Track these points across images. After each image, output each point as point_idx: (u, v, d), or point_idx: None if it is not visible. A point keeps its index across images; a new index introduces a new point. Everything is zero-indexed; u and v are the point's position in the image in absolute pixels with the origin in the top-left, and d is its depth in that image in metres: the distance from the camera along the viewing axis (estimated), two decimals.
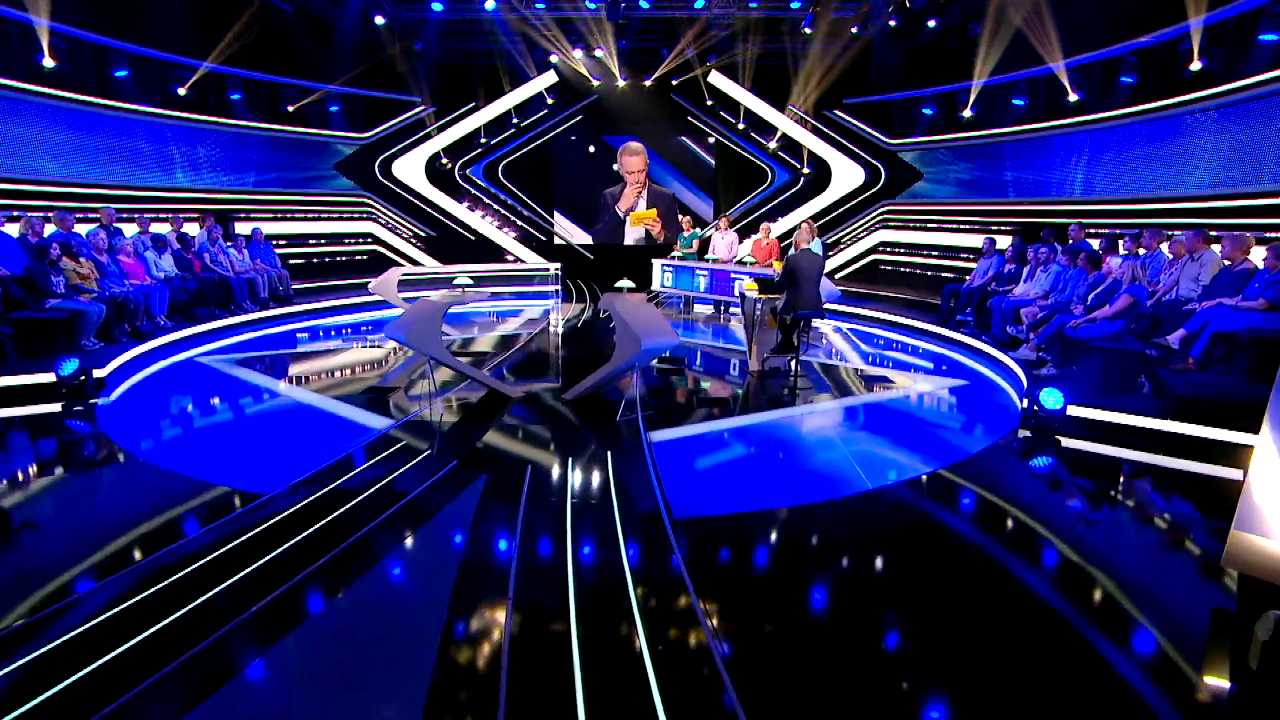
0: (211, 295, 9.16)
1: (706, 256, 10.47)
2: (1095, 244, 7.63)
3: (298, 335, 8.99)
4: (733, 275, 9.75)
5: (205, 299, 9.09)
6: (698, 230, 11.18)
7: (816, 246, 9.18)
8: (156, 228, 9.27)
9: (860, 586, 3.24)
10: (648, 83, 13.31)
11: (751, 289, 7.18)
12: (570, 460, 4.61)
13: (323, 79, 12.03)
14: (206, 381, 6.61)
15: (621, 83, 13.23)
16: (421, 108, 13.13)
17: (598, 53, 13.06)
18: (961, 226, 11.54)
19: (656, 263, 10.85)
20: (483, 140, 13.60)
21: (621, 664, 2.58)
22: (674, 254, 10.97)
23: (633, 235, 15.27)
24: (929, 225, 12.14)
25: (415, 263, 13.63)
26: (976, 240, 11.19)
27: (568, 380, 6.57)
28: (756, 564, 3.45)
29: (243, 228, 10.50)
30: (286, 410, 5.80)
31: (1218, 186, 7.70)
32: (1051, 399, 5.26)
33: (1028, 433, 5.33)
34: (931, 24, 10.24)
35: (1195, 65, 7.48)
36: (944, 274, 11.32)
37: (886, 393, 6.54)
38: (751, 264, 9.76)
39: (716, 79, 13.27)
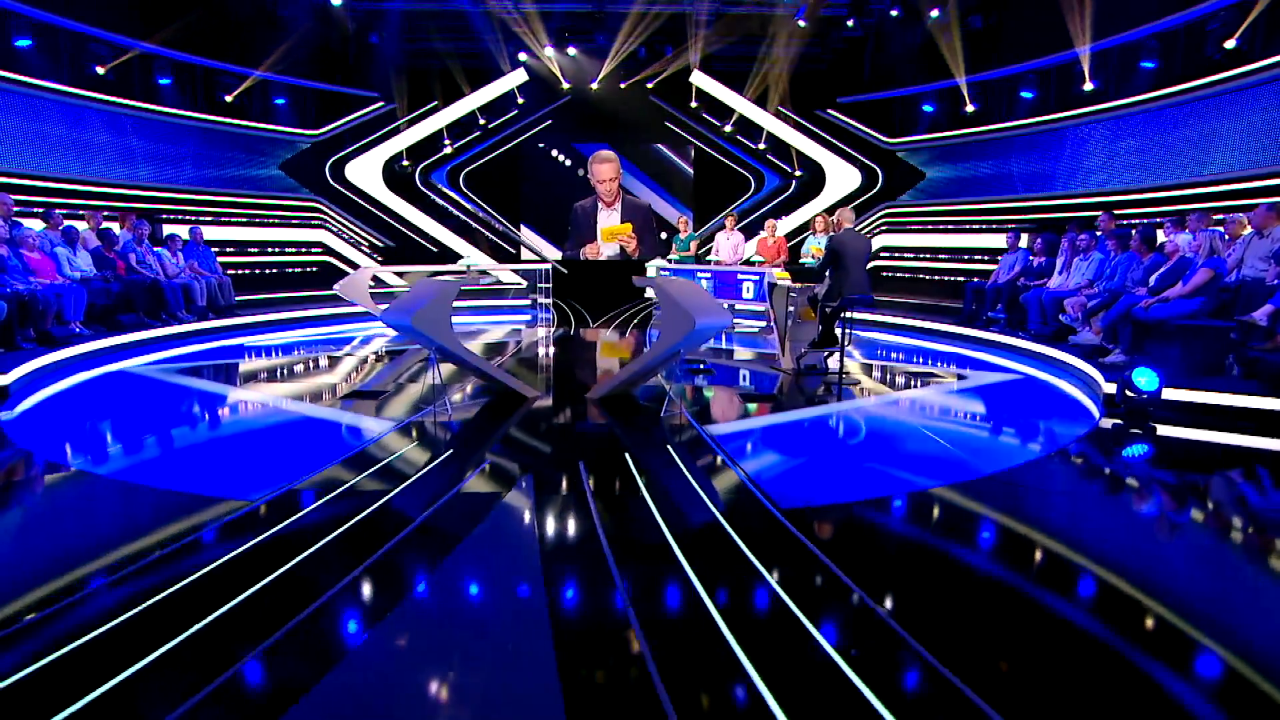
0: (139, 301, 8.26)
1: (710, 259, 10.12)
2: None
3: (248, 349, 8.15)
4: (740, 276, 9.41)
5: (131, 304, 8.19)
6: (694, 231, 10.85)
7: (823, 241, 9.00)
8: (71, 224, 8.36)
9: (1038, 567, 2.80)
10: (624, 86, 13.11)
11: (784, 277, 6.83)
12: (634, 458, 4.06)
13: (268, 67, 11.36)
14: (150, 392, 5.78)
15: (594, 85, 13.00)
16: (379, 105, 12.56)
17: (571, 50, 12.83)
18: (969, 227, 11.59)
19: (652, 265, 10.45)
20: (446, 142, 13.09)
21: (809, 668, 2.05)
22: (671, 256, 10.61)
23: (606, 252, 14.93)
24: (935, 227, 12.17)
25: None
26: (987, 240, 11.27)
27: (562, 392, 6.02)
28: (902, 547, 2.97)
29: (175, 229, 9.63)
30: (267, 418, 5.06)
31: (1247, 168, 7.85)
32: (1145, 379, 5.01)
33: (1116, 419, 5.05)
34: (935, 13, 10.37)
35: (1230, 44, 7.64)
36: (956, 277, 11.29)
37: (943, 386, 6.22)
38: (759, 264, 9.46)
39: (700, 80, 13.18)
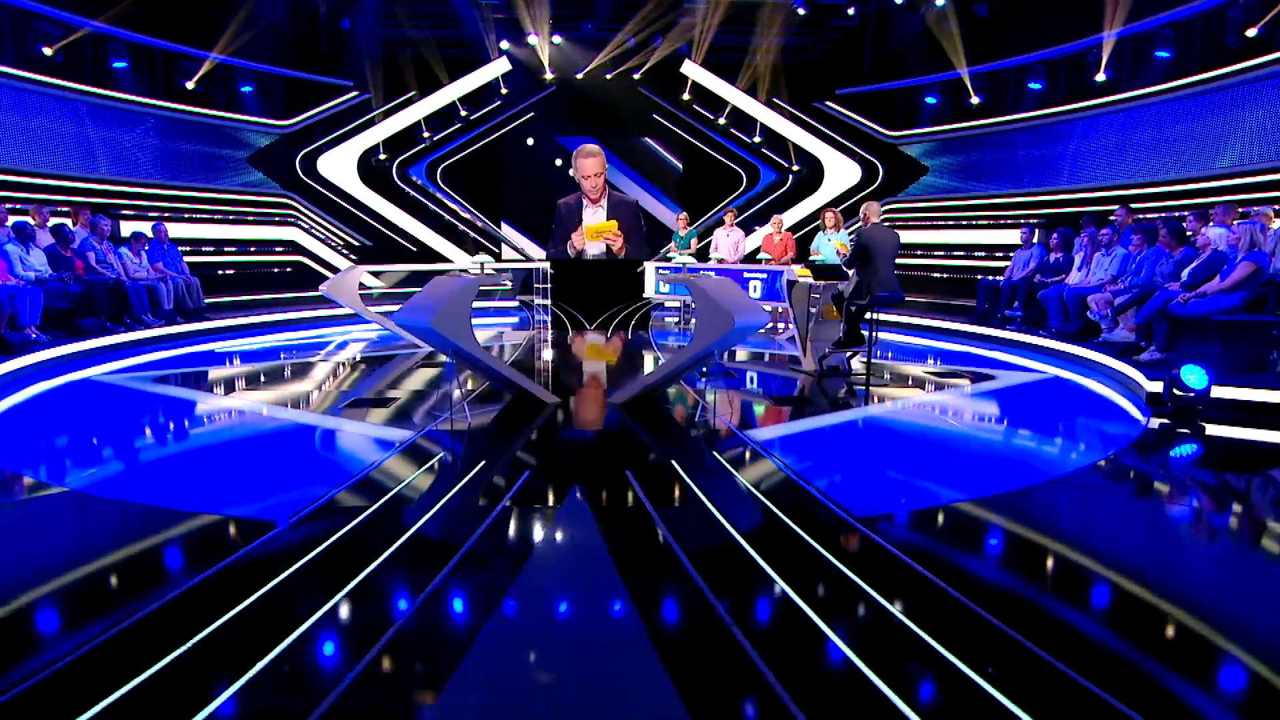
0: (101, 304, 7.91)
1: (713, 256, 10.05)
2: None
3: (225, 354, 7.85)
4: (746, 275, 9.36)
5: (93, 308, 7.84)
6: (694, 228, 10.77)
7: (842, 237, 9.00)
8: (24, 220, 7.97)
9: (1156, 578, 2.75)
10: (609, 77, 13.01)
11: (804, 275, 6.77)
12: (682, 465, 3.94)
13: (232, 51, 11.02)
14: (127, 403, 5.49)
15: (580, 76, 12.88)
16: (353, 94, 12.28)
17: (556, 39, 12.71)
18: (973, 222, 11.70)
19: (650, 265, 10.35)
20: (425, 135, 12.85)
21: (946, 683, 1.95)
22: (670, 255, 10.51)
23: (591, 251, 14.80)
24: (939, 223, 12.27)
25: None
26: (993, 236, 11.39)
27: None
28: (998, 555, 2.90)
29: (137, 226, 9.26)
30: (270, 430, 4.83)
31: (1258, 161, 8.04)
32: (1194, 377, 5.04)
33: (1163, 419, 5.08)
34: (939, 1, 10.46)
35: (1252, 32, 7.81)
36: (963, 274, 11.38)
37: (974, 388, 6.21)
38: (765, 260, 9.41)
39: (693, 71, 13.15)
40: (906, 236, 12.75)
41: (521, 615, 2.35)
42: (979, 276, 11.30)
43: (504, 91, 13.00)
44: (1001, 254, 11.01)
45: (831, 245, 8.97)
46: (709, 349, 4.85)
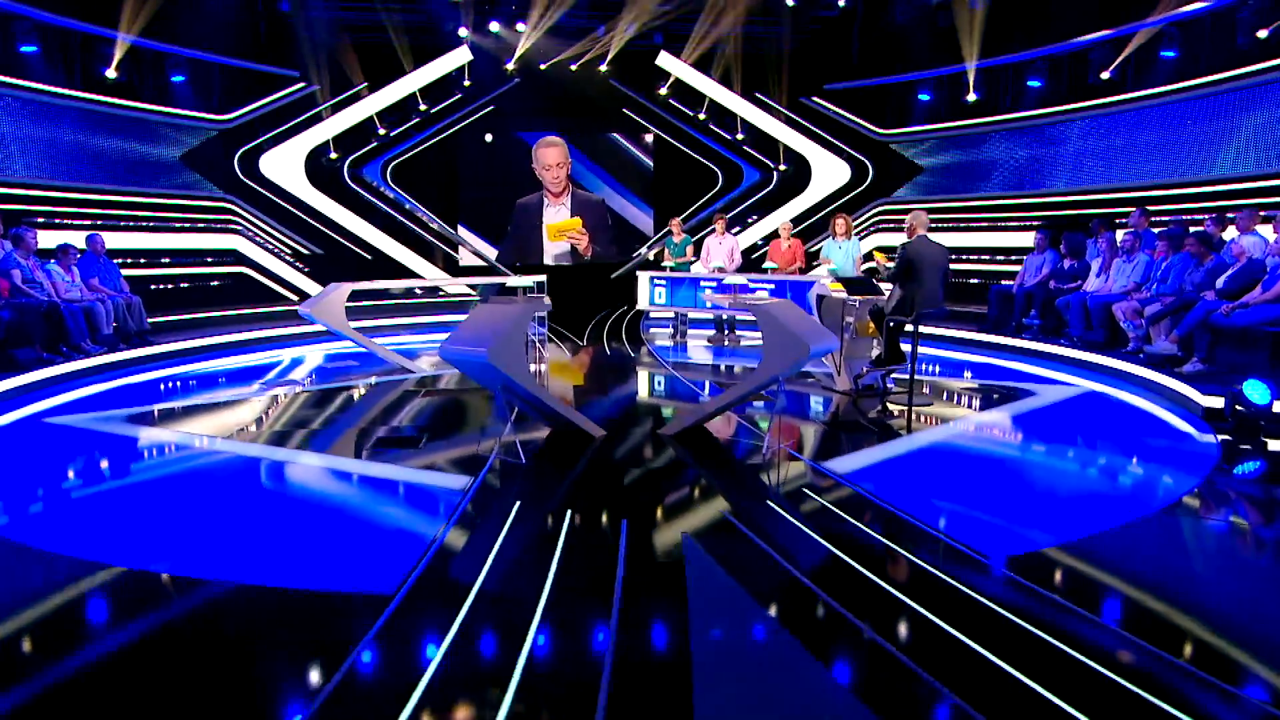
0: (34, 331, 7.37)
1: (709, 265, 10.09)
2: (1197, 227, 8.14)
3: (185, 383, 7.42)
4: (751, 284, 9.45)
5: (25, 336, 7.30)
6: (689, 236, 10.80)
7: (853, 247, 9.18)
8: None
9: None
10: (575, 67, 12.91)
11: (837, 289, 6.86)
12: (780, 504, 3.93)
13: (161, 37, 10.45)
14: (117, 452, 5.12)
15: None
16: (300, 86, 11.83)
17: (519, 26, 12.54)
18: (971, 225, 12.10)
19: (643, 275, 10.32)
20: (380, 132, 12.48)
21: None
22: (666, 265, 10.51)
23: (552, 252, 14.70)
24: (935, 225, 12.63)
25: (296, 289, 12.06)
26: (994, 239, 11.81)
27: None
28: (1145, 588, 2.99)
29: (63, 237, 8.67)
30: (307, 486, 4.58)
31: (1267, 166, 8.61)
32: (1257, 393, 5.34)
33: (1225, 435, 5.35)
34: None
35: (1262, 34, 8.33)
36: (966, 279, 11.75)
37: (1021, 405, 6.41)
38: (773, 269, 9.51)
39: (670, 64, 13.19)
40: (900, 239, 13.13)
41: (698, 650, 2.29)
42: (975, 281, 11.76)
43: (467, 83, 12.75)
44: (1004, 258, 11.44)
45: (843, 253, 9.13)
46: (775, 377, 4.86)
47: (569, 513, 3.81)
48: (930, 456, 4.99)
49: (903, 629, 2.69)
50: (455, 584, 3.05)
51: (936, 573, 3.13)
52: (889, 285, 6.66)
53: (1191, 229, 7.78)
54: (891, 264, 6.54)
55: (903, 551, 3.35)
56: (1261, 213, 7.71)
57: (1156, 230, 8.53)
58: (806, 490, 4.17)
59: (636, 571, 3.15)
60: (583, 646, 2.60)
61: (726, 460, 4.94)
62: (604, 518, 3.83)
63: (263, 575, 3.14)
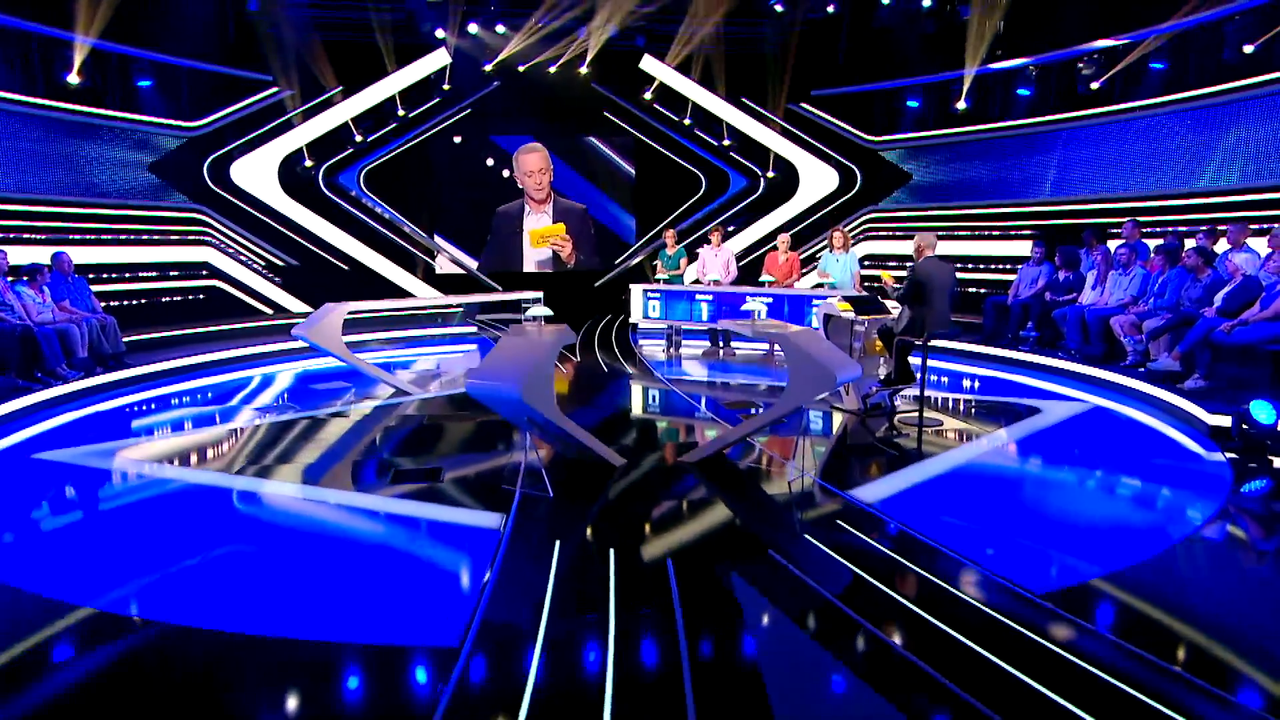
0: (9, 357, 7.25)
1: (704, 278, 10.23)
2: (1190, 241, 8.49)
3: (177, 408, 7.33)
4: (749, 298, 9.60)
5: (1, 363, 7.18)
6: (683, 248, 10.93)
7: (850, 261, 9.40)
8: None
9: None
10: (553, 69, 12.97)
11: (845, 309, 7.05)
12: (817, 537, 4.06)
13: (126, 39, 10.28)
14: (103, 490, 5.07)
15: (522, 68, 12.81)
16: (273, 90, 11.71)
17: (499, 28, 12.58)
18: (962, 233, 12.43)
19: (636, 288, 10.42)
20: (358, 139, 12.41)
21: None
22: (659, 276, 10.63)
23: (534, 259, 14.77)
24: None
25: (271, 302, 11.94)
26: (983, 248, 12.16)
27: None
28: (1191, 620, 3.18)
29: (25, 253, 8.51)
30: (345, 527, 4.60)
31: (1261, 180, 9.03)
32: (1264, 413, 5.62)
33: (1232, 454, 5.64)
34: (927, 2, 11.09)
35: (1249, 49, 8.73)
36: (965, 289, 12.08)
37: (1031, 424, 6.65)
38: (770, 283, 9.68)
39: (654, 68, 13.32)
40: (889, 247, 13.43)
41: None
42: (969, 290, 12.09)
43: (446, 87, 12.74)
44: (998, 266, 11.77)
45: (841, 266, 9.35)
46: (798, 405, 5.01)
47: (611, 552, 3.90)
48: (952, 483, 5.16)
49: (985, 684, 2.82)
50: (518, 632, 3.12)
51: (1011, 623, 3.28)
52: (895, 305, 6.88)
53: (1187, 243, 8.11)
54: (898, 284, 6.74)
55: (973, 600, 3.50)
56: (1252, 226, 8.09)
57: (1151, 243, 8.89)
58: (841, 522, 4.31)
59: (694, 615, 3.25)
60: (662, 694, 2.69)
61: (753, 489, 5.07)
62: (646, 555, 3.93)
63: (315, 629, 3.18)
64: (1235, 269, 7.09)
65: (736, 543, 4.25)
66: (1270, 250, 7.45)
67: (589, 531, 4.27)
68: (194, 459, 5.73)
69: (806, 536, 4.14)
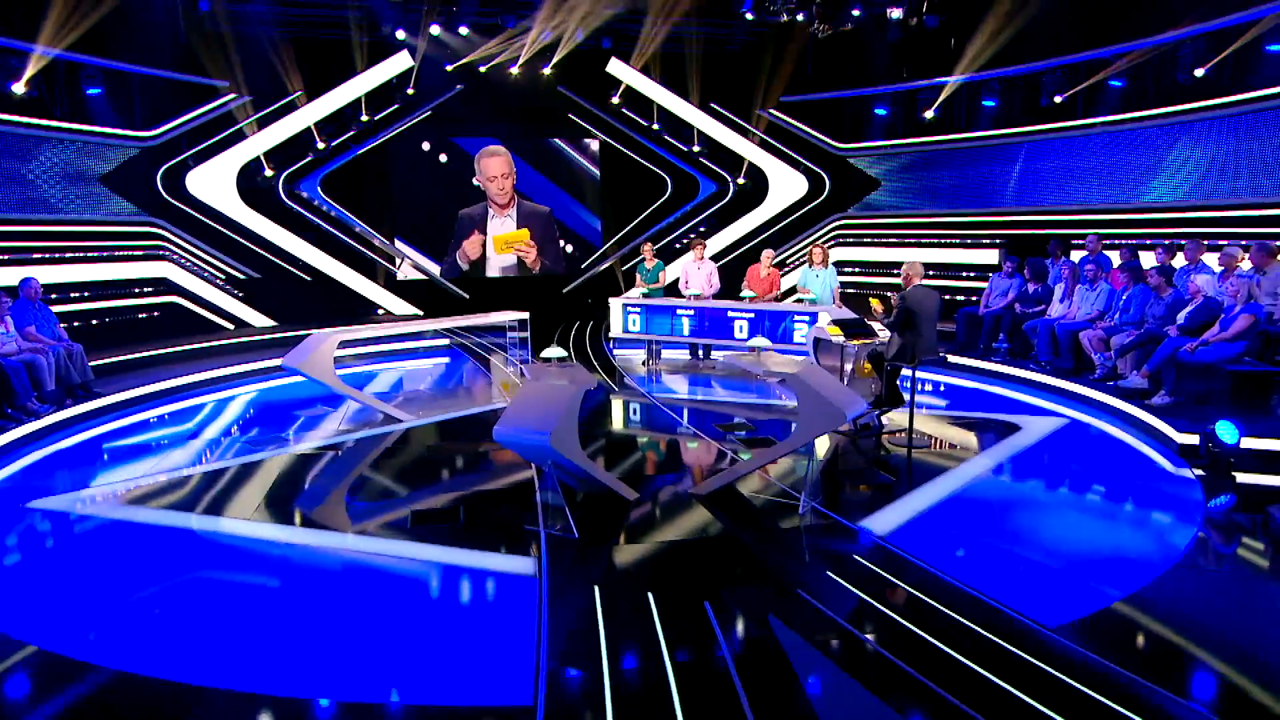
0: None
1: (686, 291, 10.54)
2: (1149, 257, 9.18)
3: (162, 446, 7.34)
4: (731, 314, 9.98)
5: None
6: (661, 262, 11.22)
7: (830, 276, 9.85)
8: None
9: None
10: (514, 70, 13.09)
11: (835, 334, 7.45)
12: (842, 573, 4.44)
13: (74, 46, 10.07)
14: (116, 544, 5.16)
15: (483, 69, 12.93)
16: (231, 96, 11.59)
17: (462, 30, 12.66)
18: (927, 241, 13.03)
19: (615, 302, 10.68)
20: (320, 146, 12.37)
21: None
22: (639, 290, 10.91)
23: (499, 264, 14.92)
24: (889, 241, 13.52)
25: (233, 317, 11.85)
26: (950, 256, 12.77)
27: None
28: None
29: None
30: (397, 567, 4.78)
31: (1208, 197, 9.81)
32: (1226, 433, 6.22)
33: (1199, 471, 6.23)
34: (896, 14, 11.58)
35: (1199, 72, 9.44)
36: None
37: (1017, 440, 7.17)
38: (751, 298, 10.05)
39: (621, 71, 13.56)
40: (857, 254, 13.97)
41: None
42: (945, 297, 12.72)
43: (410, 91, 12.77)
44: (967, 275, 12.39)
45: (820, 282, 9.78)
46: (804, 441, 5.38)
47: (650, 596, 4.21)
48: (955, 510, 5.57)
49: None
50: (586, 685, 3.40)
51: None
52: (884, 330, 7.33)
53: (1144, 256, 8.78)
54: (886, 314, 7.17)
55: (1007, 646, 3.90)
56: (1205, 242, 8.79)
57: (1112, 255, 9.56)
58: (859, 559, 4.69)
59: (746, 661, 3.58)
60: None
61: (766, 524, 5.38)
62: (682, 597, 4.24)
63: (374, 690, 3.40)
64: (1196, 290, 7.73)
65: (762, 581, 4.58)
66: (1222, 268, 8.15)
67: (623, 574, 4.56)
68: (203, 502, 5.80)
69: (830, 574, 4.50)
